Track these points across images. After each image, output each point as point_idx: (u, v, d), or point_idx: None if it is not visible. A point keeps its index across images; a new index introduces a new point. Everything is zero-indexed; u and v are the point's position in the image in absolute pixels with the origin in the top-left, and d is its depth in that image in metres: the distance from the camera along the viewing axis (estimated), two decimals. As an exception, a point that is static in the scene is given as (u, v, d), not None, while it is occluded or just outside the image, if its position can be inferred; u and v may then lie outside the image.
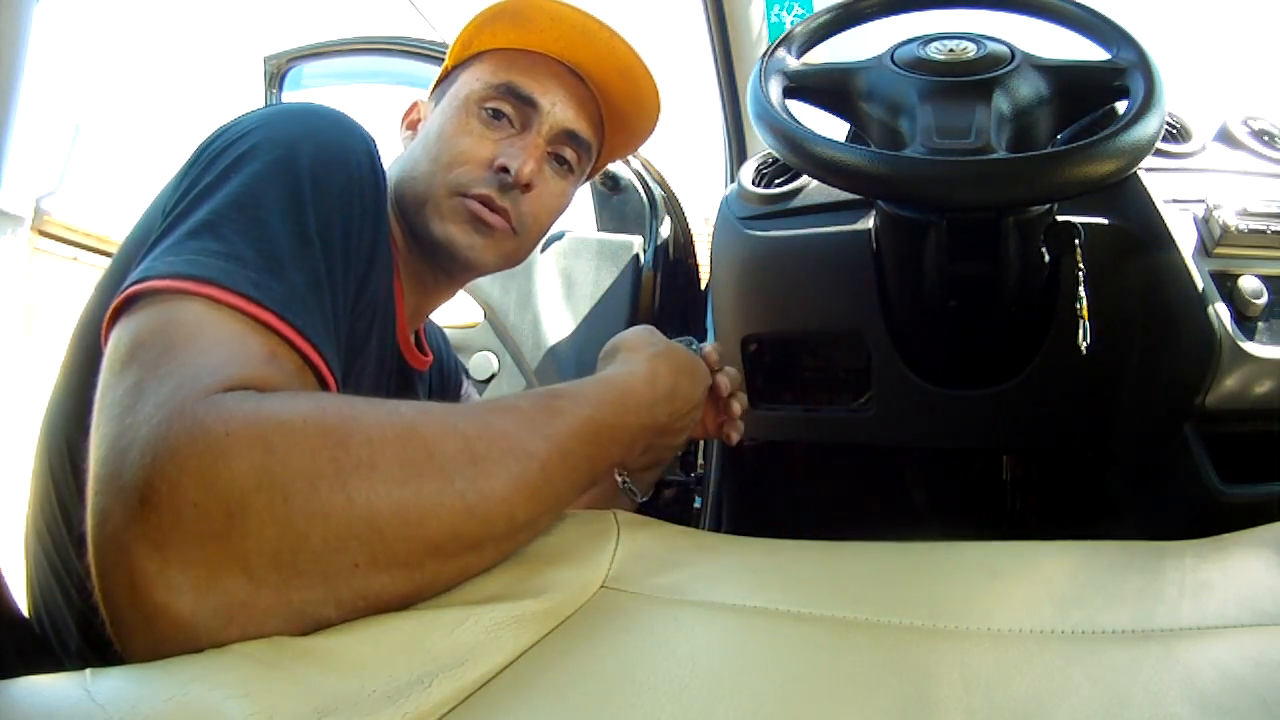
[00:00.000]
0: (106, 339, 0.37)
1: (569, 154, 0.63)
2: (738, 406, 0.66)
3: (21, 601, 0.34)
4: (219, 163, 0.43)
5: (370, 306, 0.52)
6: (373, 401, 0.36)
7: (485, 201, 0.58)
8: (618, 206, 1.29)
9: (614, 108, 0.64)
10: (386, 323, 0.57)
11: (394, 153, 0.64)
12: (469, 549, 0.36)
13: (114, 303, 0.37)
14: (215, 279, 0.36)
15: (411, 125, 0.66)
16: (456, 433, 0.37)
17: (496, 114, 0.59)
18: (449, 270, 0.62)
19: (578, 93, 0.62)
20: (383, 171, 0.50)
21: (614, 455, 0.47)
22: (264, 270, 0.38)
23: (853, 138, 0.79)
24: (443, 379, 0.75)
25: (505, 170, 0.57)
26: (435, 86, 0.66)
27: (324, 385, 0.40)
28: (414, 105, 0.67)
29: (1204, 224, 0.68)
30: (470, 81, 0.60)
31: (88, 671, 0.26)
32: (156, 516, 0.29)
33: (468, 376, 0.83)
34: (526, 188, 0.58)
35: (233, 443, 0.30)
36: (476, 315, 1.28)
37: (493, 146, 0.58)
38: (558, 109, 0.60)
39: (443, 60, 0.66)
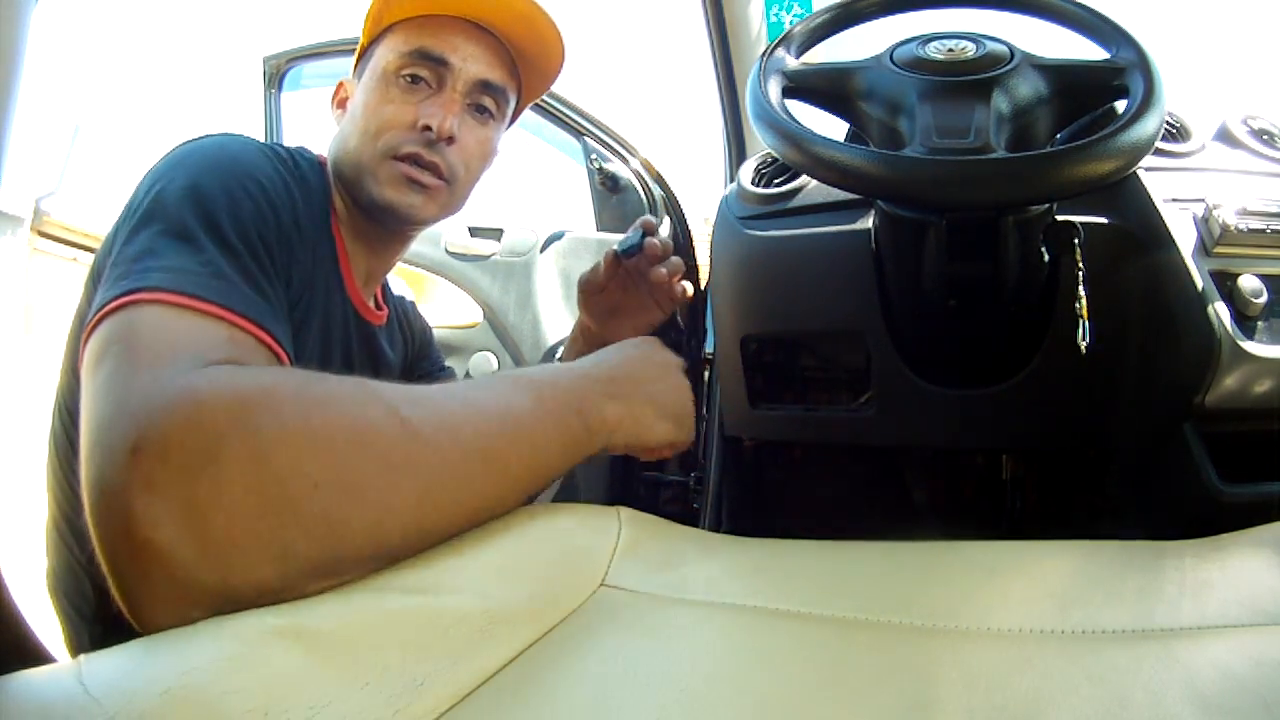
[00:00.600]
0: (80, 365, 0.41)
1: (487, 102, 0.67)
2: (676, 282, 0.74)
3: (20, 597, 0.34)
4: (145, 203, 0.48)
5: (305, 297, 0.58)
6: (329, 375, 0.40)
7: (414, 160, 0.63)
8: (618, 206, 1.29)
9: (521, 53, 0.69)
10: (331, 299, 0.62)
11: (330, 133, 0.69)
12: (422, 472, 0.37)
13: (82, 338, 0.41)
14: (162, 285, 0.41)
15: (341, 104, 0.71)
16: (403, 395, 0.39)
17: (414, 79, 0.64)
18: (395, 229, 0.68)
19: (487, 44, 0.66)
20: (296, 176, 0.57)
21: (572, 421, 0.46)
22: (204, 274, 0.43)
23: (852, 137, 0.79)
24: (411, 325, 0.81)
25: (428, 129, 0.62)
26: (356, 64, 0.70)
27: (278, 361, 0.45)
28: (340, 85, 0.72)
29: (1204, 223, 0.68)
30: (385, 54, 0.65)
31: (81, 662, 0.26)
32: (146, 461, 0.31)
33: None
34: (450, 140, 0.63)
35: (212, 397, 0.33)
36: (476, 315, 1.27)
37: (414, 109, 0.63)
38: (469, 64, 0.65)
39: None
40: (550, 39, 0.68)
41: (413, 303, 0.84)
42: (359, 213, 0.65)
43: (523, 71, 0.70)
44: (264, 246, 0.50)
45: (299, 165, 0.62)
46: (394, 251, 0.71)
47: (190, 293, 0.41)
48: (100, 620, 0.57)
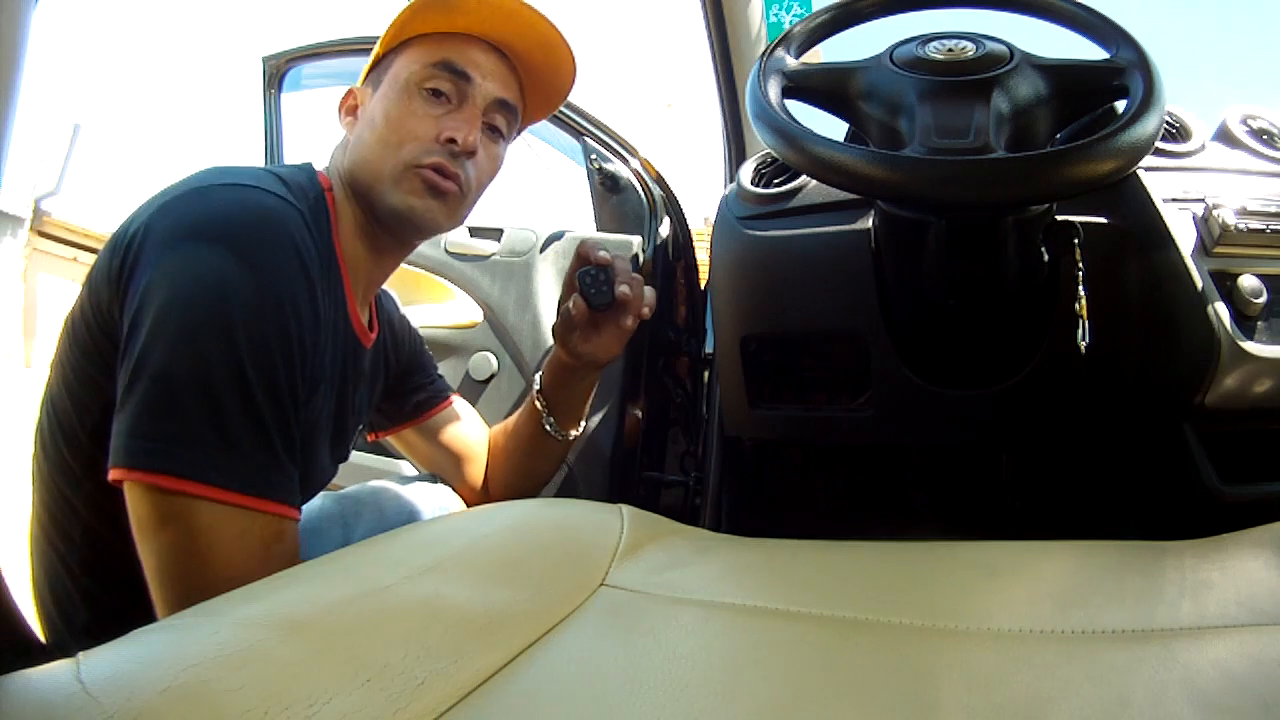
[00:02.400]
0: (117, 484, 0.47)
1: (500, 121, 0.68)
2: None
3: (17, 593, 0.34)
4: (160, 313, 0.48)
5: (323, 370, 0.58)
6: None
7: (438, 169, 0.63)
8: (617, 206, 1.29)
9: (535, 75, 0.70)
10: (337, 329, 0.62)
11: (337, 140, 0.68)
12: None
13: (113, 472, 0.47)
14: (192, 477, 0.46)
15: (351, 112, 0.69)
16: None
17: (435, 92, 0.64)
18: (403, 237, 0.68)
19: (503, 65, 0.68)
20: (311, 222, 0.56)
21: None
22: (222, 450, 0.47)
23: (852, 137, 0.79)
24: (398, 343, 0.81)
25: (453, 141, 0.63)
26: (369, 72, 0.69)
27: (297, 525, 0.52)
28: (350, 93, 0.69)
29: (1203, 223, 0.68)
30: (408, 65, 0.65)
31: (80, 659, 0.26)
32: None
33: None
34: (471, 154, 0.64)
35: None
36: (476, 315, 1.27)
37: (436, 122, 0.64)
38: (488, 82, 0.66)
39: None
40: (564, 66, 0.70)
41: (403, 316, 0.83)
42: (373, 223, 0.65)
43: (530, 93, 0.72)
44: (286, 379, 0.51)
45: (308, 197, 0.60)
46: (392, 263, 0.71)
47: (215, 483, 0.47)
48: (89, 633, 0.55)
